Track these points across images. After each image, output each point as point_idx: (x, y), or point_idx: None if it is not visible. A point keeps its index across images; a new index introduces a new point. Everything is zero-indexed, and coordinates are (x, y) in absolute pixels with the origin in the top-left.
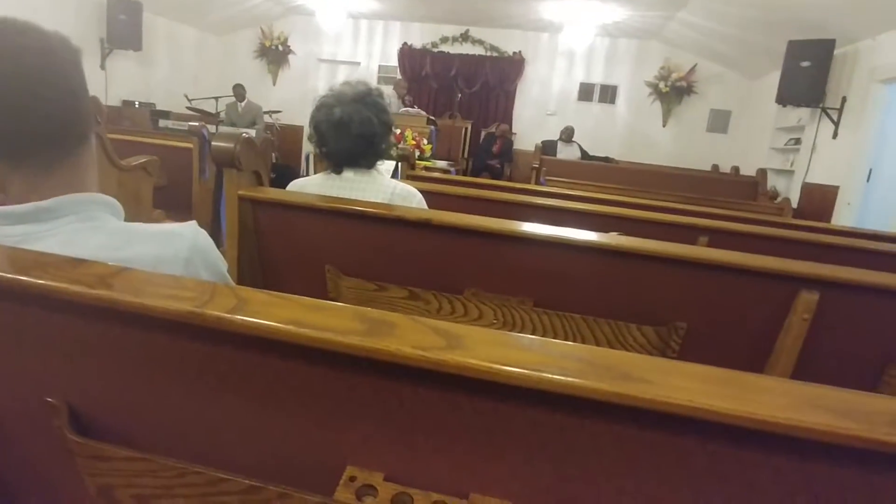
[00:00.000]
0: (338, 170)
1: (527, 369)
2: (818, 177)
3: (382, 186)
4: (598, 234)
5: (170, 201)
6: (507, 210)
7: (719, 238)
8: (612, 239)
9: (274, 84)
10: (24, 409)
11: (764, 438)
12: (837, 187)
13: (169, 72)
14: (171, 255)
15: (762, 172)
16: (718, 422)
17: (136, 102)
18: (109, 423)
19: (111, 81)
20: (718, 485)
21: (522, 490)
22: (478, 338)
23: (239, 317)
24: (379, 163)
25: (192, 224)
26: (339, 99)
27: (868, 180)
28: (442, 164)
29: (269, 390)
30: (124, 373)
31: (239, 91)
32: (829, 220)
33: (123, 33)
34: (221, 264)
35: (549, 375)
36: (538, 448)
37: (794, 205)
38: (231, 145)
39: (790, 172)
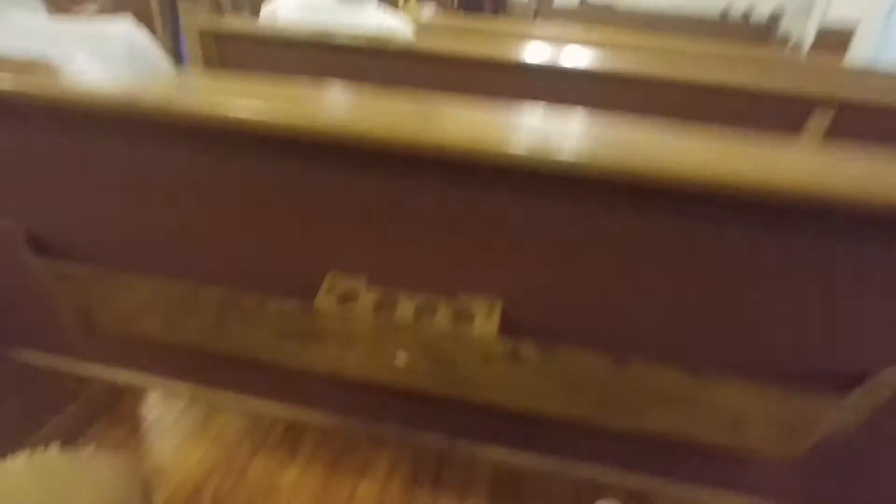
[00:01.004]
0: None
1: (515, 146)
2: (836, 14)
3: (366, 19)
4: (595, 58)
5: None
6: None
7: None
8: (612, 65)
9: None
10: None
11: (776, 208)
12: (853, 31)
13: None
14: (109, 56)
15: (774, 18)
16: (726, 190)
17: None
18: (75, 243)
19: None
20: (722, 262)
21: (513, 285)
22: (459, 116)
23: (181, 104)
24: None
25: (127, 21)
26: None
27: (890, 15)
28: (430, 4)
29: (236, 192)
30: (79, 187)
31: None
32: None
33: None
34: (165, 62)
35: (541, 153)
36: (528, 239)
37: (806, 50)
38: None
39: (806, 14)
